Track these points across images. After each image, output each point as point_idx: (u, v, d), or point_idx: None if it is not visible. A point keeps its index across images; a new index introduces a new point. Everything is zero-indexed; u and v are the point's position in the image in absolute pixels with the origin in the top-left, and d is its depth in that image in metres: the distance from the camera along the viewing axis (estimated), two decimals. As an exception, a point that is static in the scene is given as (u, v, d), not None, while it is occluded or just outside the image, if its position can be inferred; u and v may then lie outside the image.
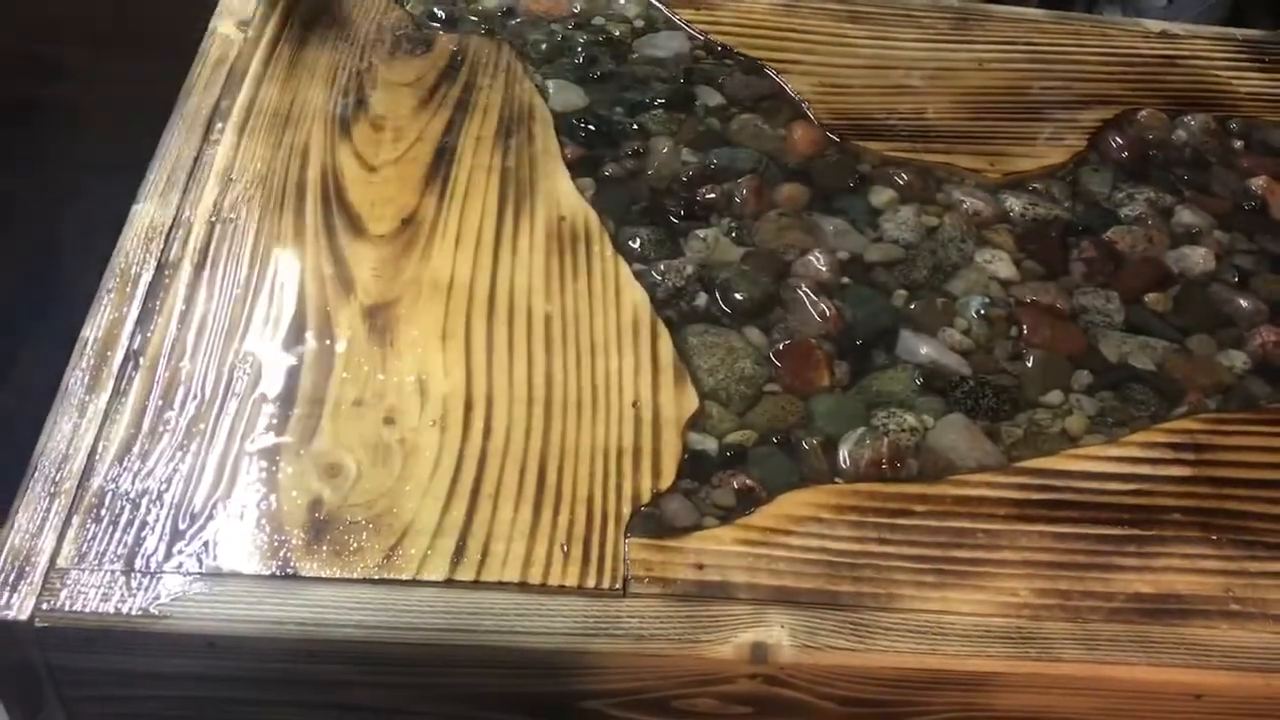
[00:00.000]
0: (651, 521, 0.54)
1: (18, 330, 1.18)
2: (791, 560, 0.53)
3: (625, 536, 0.53)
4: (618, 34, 0.81)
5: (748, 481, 0.56)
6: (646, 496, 0.55)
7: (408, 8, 0.80)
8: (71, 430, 0.54)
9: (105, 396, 0.55)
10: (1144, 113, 0.81)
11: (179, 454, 0.53)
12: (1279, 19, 1.56)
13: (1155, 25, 0.90)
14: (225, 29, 0.76)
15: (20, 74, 1.26)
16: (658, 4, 0.84)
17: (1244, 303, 0.69)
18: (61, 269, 1.26)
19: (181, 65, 0.76)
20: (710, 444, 0.58)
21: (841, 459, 0.58)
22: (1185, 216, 0.74)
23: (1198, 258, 0.71)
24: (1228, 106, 0.83)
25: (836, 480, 0.57)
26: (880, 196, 0.72)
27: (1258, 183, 0.77)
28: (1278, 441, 0.61)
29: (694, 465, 0.56)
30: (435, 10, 0.80)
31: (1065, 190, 0.75)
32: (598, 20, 0.82)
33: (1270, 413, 0.63)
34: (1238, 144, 0.80)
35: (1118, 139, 0.79)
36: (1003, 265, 0.69)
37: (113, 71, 1.22)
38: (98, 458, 0.53)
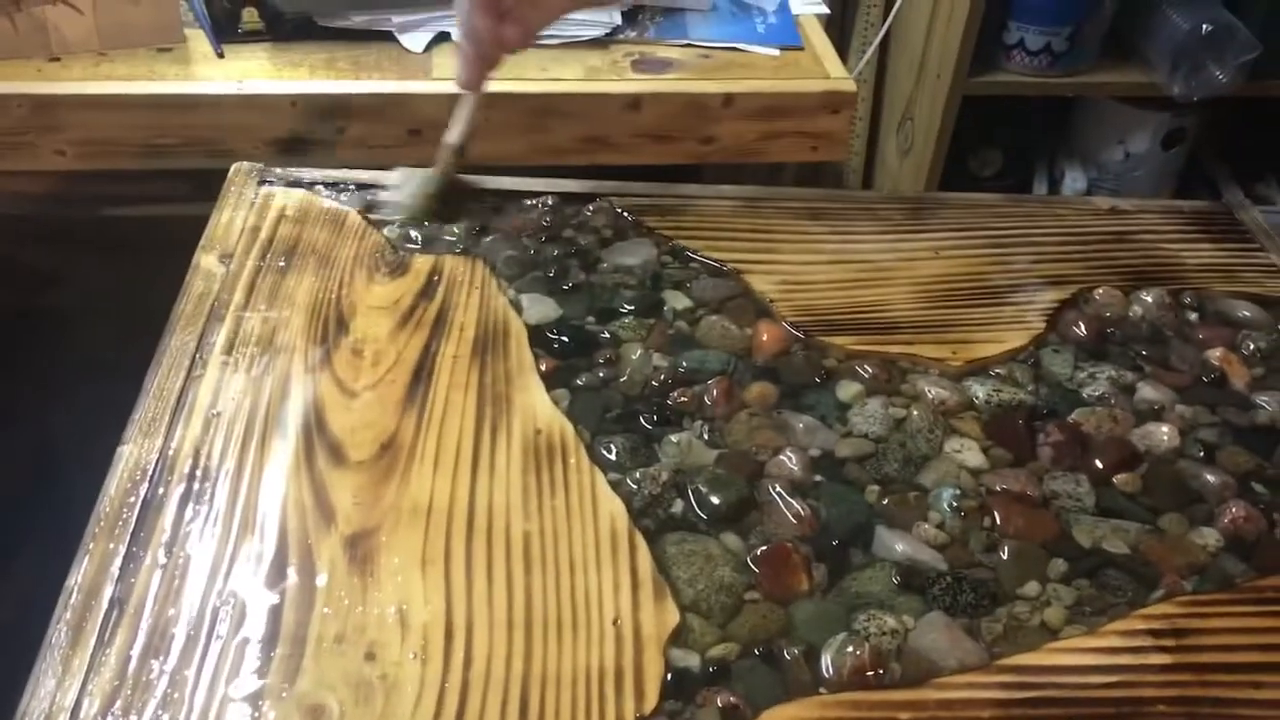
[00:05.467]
0: (636, 748, 0.54)
1: (14, 538, 1.19)
2: (778, 781, 0.53)
3: (610, 766, 0.53)
4: (586, 244, 0.85)
5: (731, 699, 0.56)
6: (630, 721, 0.55)
7: (384, 232, 0.84)
8: (55, 686, 0.54)
9: (89, 649, 0.56)
10: (1100, 291, 0.84)
11: (163, 705, 0.54)
12: (1233, 166, 1.62)
13: (1105, 202, 0.94)
14: (207, 263, 0.79)
15: (18, 283, 1.30)
16: (624, 213, 0.87)
17: (1211, 478, 0.70)
18: (60, 472, 1.28)
19: (171, 266, 0.79)
20: (693, 660, 0.58)
21: (824, 668, 0.58)
22: (1147, 392, 0.76)
23: (1162, 435, 0.72)
24: (1180, 279, 0.86)
25: (821, 690, 0.57)
26: (847, 390, 0.74)
27: (1215, 354, 0.79)
28: (1256, 622, 0.62)
29: (677, 684, 0.56)
30: (411, 233, 0.84)
31: (1028, 373, 0.77)
32: (568, 232, 0.86)
33: (1246, 592, 0.63)
34: (1193, 316, 0.83)
35: (1076, 318, 0.81)
36: (971, 454, 0.70)
37: (105, 277, 1.26)
38: (82, 713, 0.53)
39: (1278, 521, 0.68)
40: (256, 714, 0.53)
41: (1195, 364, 0.79)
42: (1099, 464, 0.70)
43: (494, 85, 0.86)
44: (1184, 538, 0.67)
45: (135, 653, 0.56)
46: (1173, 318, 0.82)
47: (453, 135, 0.88)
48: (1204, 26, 1.35)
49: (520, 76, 1.07)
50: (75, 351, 1.33)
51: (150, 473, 0.64)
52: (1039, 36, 1.40)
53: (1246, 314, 0.83)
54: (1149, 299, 0.83)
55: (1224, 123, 1.59)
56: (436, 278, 0.80)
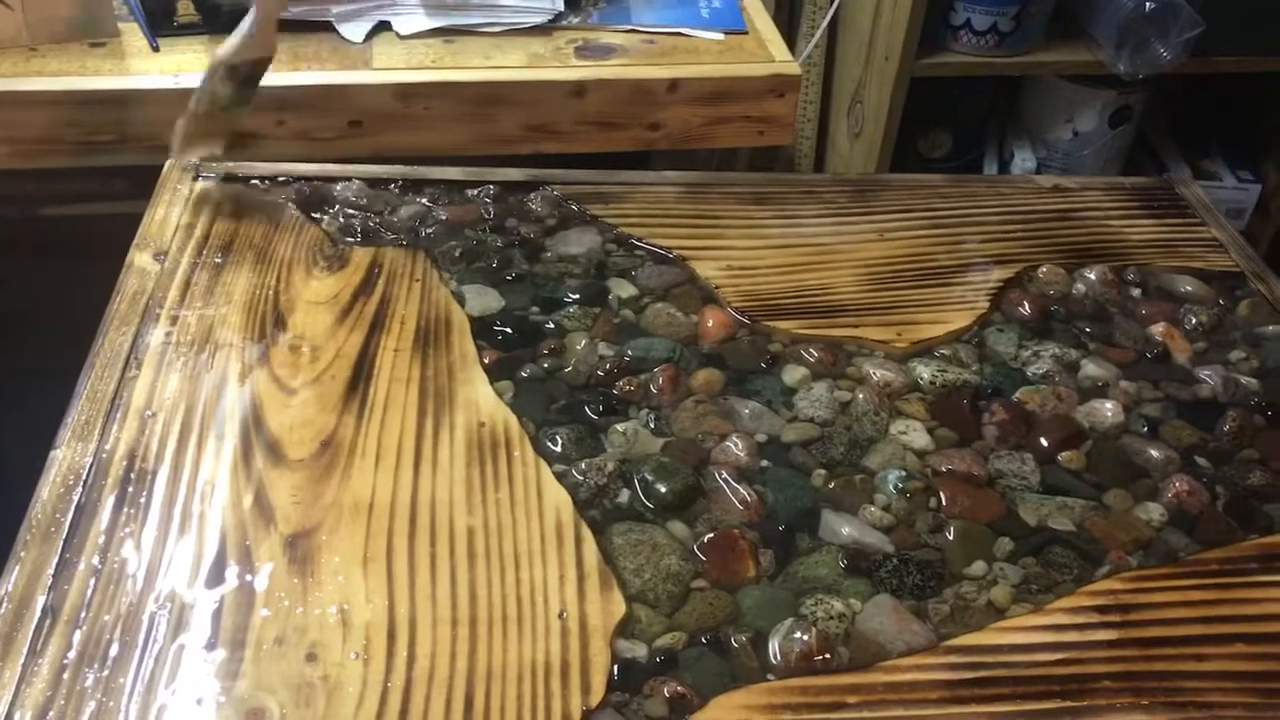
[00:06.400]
0: (583, 741, 0.53)
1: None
2: (725, 769, 0.52)
3: (556, 760, 0.52)
4: (531, 234, 0.84)
5: (679, 688, 0.56)
6: (577, 715, 0.54)
7: (323, 225, 0.82)
8: (-16, 699, 0.53)
9: (21, 659, 0.54)
10: (1043, 269, 0.84)
11: (97, 714, 0.52)
12: (1180, 143, 1.63)
13: (1048, 180, 0.94)
14: (141, 261, 0.77)
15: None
16: (568, 201, 0.86)
17: (1155, 453, 0.70)
18: (5, 479, 1.26)
19: (115, 266, 0.77)
20: (640, 650, 0.58)
21: (772, 654, 0.58)
22: (1091, 369, 0.76)
23: (1107, 411, 0.73)
24: (1123, 255, 0.86)
25: (769, 677, 0.57)
26: (793, 375, 0.74)
27: (1157, 330, 0.79)
28: (1199, 595, 0.62)
29: (624, 675, 0.56)
30: (350, 225, 0.83)
31: (973, 353, 0.77)
32: (510, 222, 0.85)
33: (1190, 566, 0.64)
34: (1136, 292, 0.83)
35: (1020, 297, 0.81)
36: (917, 435, 0.70)
37: (48, 278, 1.24)
38: (13, 726, 0.52)
39: (1221, 495, 0.68)
40: (194, 720, 0.52)
41: (1138, 340, 0.79)
42: (1044, 442, 0.70)
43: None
44: (1129, 513, 0.67)
45: (69, 661, 0.54)
46: (1116, 294, 0.83)
47: (223, 49, 0.83)
48: (1147, 4, 1.36)
49: (462, 65, 1.06)
50: (20, 355, 1.31)
51: (84, 477, 0.63)
52: (985, 16, 1.40)
53: (1188, 288, 0.84)
54: (1092, 276, 0.83)
55: (1170, 100, 1.60)
56: (376, 271, 0.79)
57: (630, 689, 0.55)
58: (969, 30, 1.41)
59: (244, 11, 1.08)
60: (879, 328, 0.77)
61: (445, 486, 0.64)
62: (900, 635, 0.59)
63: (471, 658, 0.56)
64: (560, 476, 0.66)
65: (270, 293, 0.76)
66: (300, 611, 0.57)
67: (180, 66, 1.04)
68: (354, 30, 1.09)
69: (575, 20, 1.14)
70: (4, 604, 0.57)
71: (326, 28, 1.10)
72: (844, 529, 0.64)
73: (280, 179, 0.86)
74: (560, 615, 0.58)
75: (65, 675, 0.54)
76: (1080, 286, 0.83)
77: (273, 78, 1.02)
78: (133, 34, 1.08)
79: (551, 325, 0.76)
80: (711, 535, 0.63)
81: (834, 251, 0.84)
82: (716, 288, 0.80)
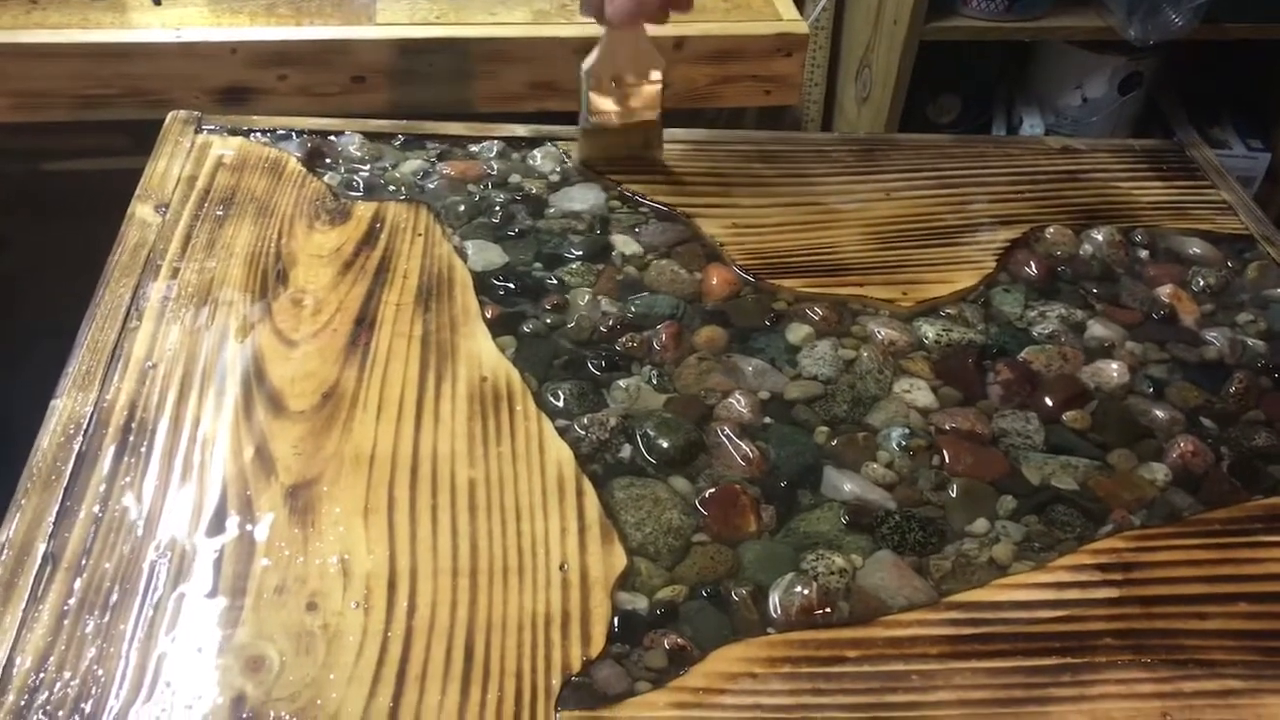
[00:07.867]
0: (583, 692, 0.53)
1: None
2: (725, 720, 0.52)
3: (556, 710, 0.52)
4: (534, 190, 0.83)
5: (679, 640, 0.56)
6: (577, 665, 0.54)
7: (325, 179, 0.82)
8: (-15, 643, 0.53)
9: (22, 605, 0.54)
10: (1051, 229, 0.83)
11: (98, 660, 0.52)
12: (1190, 110, 1.62)
13: (1056, 142, 0.93)
14: (143, 213, 0.77)
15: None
16: (571, 159, 0.86)
17: (1160, 413, 0.70)
18: (11, 434, 1.26)
19: (117, 222, 0.76)
20: (640, 602, 0.57)
21: (772, 607, 0.58)
22: (1097, 330, 0.76)
23: (1112, 371, 0.72)
24: (1131, 217, 0.86)
25: (769, 630, 0.57)
26: (797, 333, 0.73)
27: (1165, 291, 0.79)
28: (1202, 555, 0.62)
29: (624, 627, 0.56)
30: (353, 179, 0.82)
31: (978, 313, 0.76)
32: (514, 178, 0.84)
33: (1193, 525, 0.63)
34: (1143, 254, 0.83)
35: (1026, 257, 0.81)
36: (921, 394, 0.70)
37: (49, 235, 1.24)
38: (14, 671, 0.52)
39: (1225, 455, 0.68)
40: (196, 668, 0.52)
41: (1145, 301, 0.78)
42: (1048, 401, 0.70)
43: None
44: (1132, 473, 0.66)
45: (69, 608, 0.54)
46: (1123, 255, 0.82)
47: (588, 61, 0.80)
48: (1159, -32, 1.34)
49: (466, 21, 1.05)
50: (23, 311, 1.31)
51: (84, 426, 0.63)
52: (995, -20, 1.38)
53: (1197, 251, 0.83)
54: (1099, 237, 0.83)
55: (1180, 67, 1.59)
56: (379, 225, 0.78)
57: (630, 640, 0.55)
58: (979, -7, 1.40)
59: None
60: (884, 286, 0.77)
61: (447, 439, 0.64)
62: (901, 591, 0.59)
63: (472, 608, 0.56)
64: (562, 431, 0.65)
65: (272, 246, 0.76)
66: (301, 561, 0.57)
67: (182, 20, 1.03)
68: (357, -15, 1.08)
69: (581, -23, 1.12)
70: (5, 551, 0.57)
71: (330, -18, 1.09)
72: (846, 485, 0.64)
73: (282, 132, 0.86)
74: (561, 567, 0.58)
75: (66, 621, 0.54)
76: (1087, 247, 0.82)
77: (275, 31, 1.02)
78: (134, -13, 1.07)
79: (554, 281, 0.76)
80: (713, 490, 0.63)
81: (840, 210, 0.83)
82: (721, 245, 0.79)
